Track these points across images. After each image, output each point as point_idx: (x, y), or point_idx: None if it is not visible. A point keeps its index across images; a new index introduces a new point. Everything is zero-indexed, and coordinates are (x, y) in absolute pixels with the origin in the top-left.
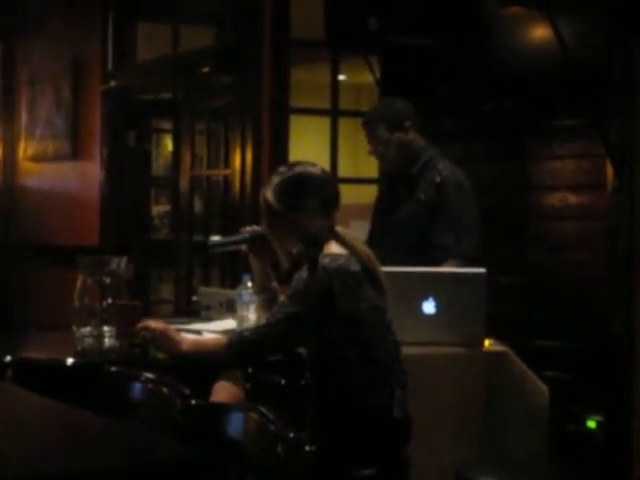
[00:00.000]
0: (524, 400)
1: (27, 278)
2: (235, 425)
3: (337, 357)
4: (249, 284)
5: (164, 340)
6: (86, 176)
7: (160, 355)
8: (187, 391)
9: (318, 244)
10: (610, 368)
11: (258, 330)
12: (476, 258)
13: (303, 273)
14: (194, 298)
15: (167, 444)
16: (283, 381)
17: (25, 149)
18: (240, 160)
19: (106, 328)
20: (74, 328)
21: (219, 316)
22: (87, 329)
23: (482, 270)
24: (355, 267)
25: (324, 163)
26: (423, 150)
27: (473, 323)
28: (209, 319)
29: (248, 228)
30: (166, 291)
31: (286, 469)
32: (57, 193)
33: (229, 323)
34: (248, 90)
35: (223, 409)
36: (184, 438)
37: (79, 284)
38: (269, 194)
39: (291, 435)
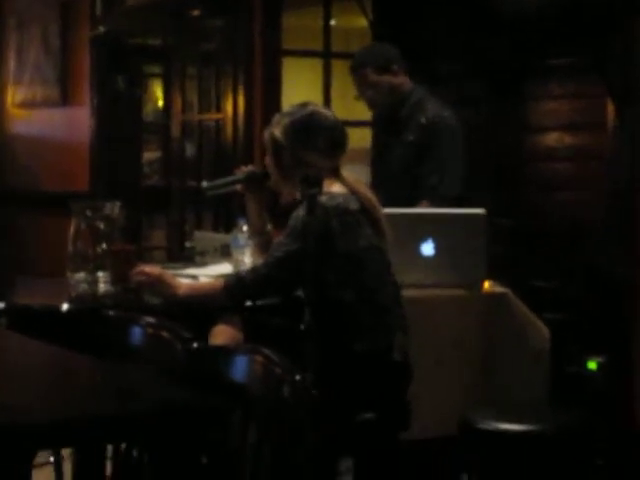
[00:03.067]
0: (525, 342)
1: (18, 225)
2: (239, 368)
3: (335, 299)
4: (244, 228)
5: (160, 285)
6: (76, 122)
7: (155, 300)
8: (188, 334)
9: (318, 183)
10: (610, 309)
11: (255, 270)
12: (461, 198)
13: (300, 211)
14: (187, 244)
15: (169, 388)
16: (282, 324)
17: (13, 95)
18: (232, 104)
19: (100, 273)
20: (68, 274)
21: (214, 260)
22: (81, 275)
23: (481, 211)
24: (354, 206)
25: None
26: (412, 92)
27: (472, 265)
28: (204, 264)
29: (243, 168)
30: (158, 237)
31: (292, 412)
32: (47, 139)
33: (225, 267)
34: (239, 34)
35: (226, 352)
36: (186, 382)
37: (72, 229)
38: (278, 131)
39: (297, 377)
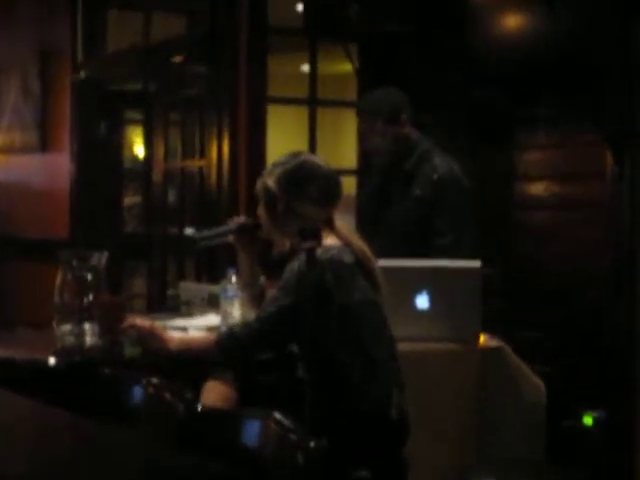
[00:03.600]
0: (520, 397)
1: None
2: (250, 433)
3: (331, 354)
4: (233, 278)
5: (151, 338)
6: (55, 168)
7: (137, 353)
8: (190, 395)
9: (315, 236)
10: (608, 363)
11: (248, 325)
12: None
13: (295, 265)
14: (170, 292)
15: (176, 457)
16: (276, 381)
17: None
18: (216, 151)
19: (87, 325)
20: (54, 325)
21: (201, 311)
22: (67, 326)
23: (477, 264)
24: (349, 259)
25: None
26: (418, 143)
27: (468, 318)
28: (190, 314)
29: (235, 219)
30: (139, 285)
31: (306, 478)
32: (25, 185)
33: (212, 319)
34: (224, 79)
35: (235, 416)
36: (191, 448)
37: (59, 280)
38: (270, 181)
39: (312, 444)
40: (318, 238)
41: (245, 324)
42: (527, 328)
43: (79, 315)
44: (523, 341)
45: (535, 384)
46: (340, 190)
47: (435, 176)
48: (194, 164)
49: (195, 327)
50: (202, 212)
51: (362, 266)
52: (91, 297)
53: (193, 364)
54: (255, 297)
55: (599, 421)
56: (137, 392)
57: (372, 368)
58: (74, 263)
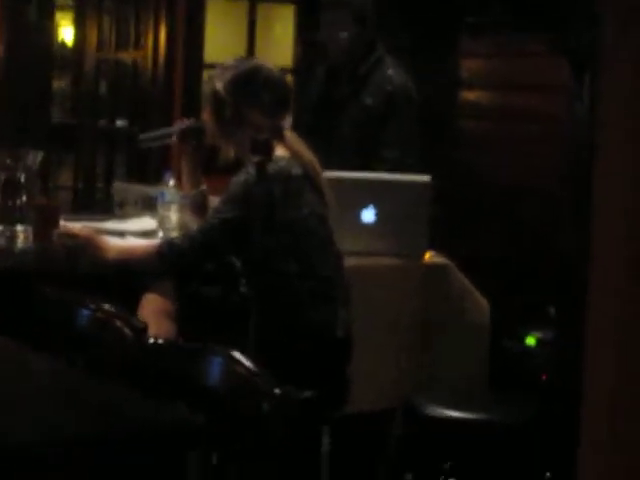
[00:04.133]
0: (463, 316)
1: None
2: (211, 374)
3: (276, 269)
4: (171, 182)
5: (89, 247)
6: None
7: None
8: (142, 325)
9: (267, 149)
10: (555, 281)
11: (190, 237)
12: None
13: (241, 177)
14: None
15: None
16: (216, 294)
17: None
18: (152, 43)
19: (20, 228)
20: None
21: (135, 214)
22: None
23: (426, 178)
24: (297, 171)
25: (240, 50)
26: (373, 46)
27: (414, 233)
28: (124, 217)
29: (180, 122)
30: (65, 177)
31: (270, 427)
32: None
33: (148, 222)
34: None
35: (193, 352)
36: (145, 385)
37: None
38: (219, 85)
39: (277, 391)
40: (269, 152)
41: (187, 235)
42: (470, 241)
43: (11, 217)
44: (467, 255)
45: (480, 303)
46: (290, 98)
47: (389, 87)
48: (129, 55)
49: (131, 232)
50: (135, 106)
51: (310, 179)
52: (24, 199)
53: (131, 274)
54: (196, 204)
55: (543, 342)
56: (83, 316)
57: (318, 285)
58: (7, 162)
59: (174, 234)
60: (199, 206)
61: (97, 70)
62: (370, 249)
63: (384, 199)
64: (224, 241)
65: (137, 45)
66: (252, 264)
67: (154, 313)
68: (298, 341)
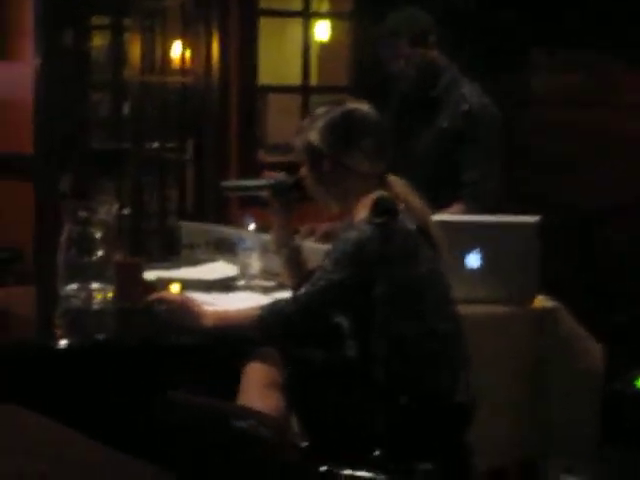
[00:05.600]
0: (576, 362)
1: None
2: None
3: (390, 332)
4: (251, 226)
5: (184, 313)
6: (18, 78)
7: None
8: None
9: (394, 211)
10: None
11: (296, 300)
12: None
13: (351, 234)
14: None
15: None
16: (328, 360)
17: None
18: (204, 63)
19: (96, 285)
20: (57, 285)
21: (207, 258)
22: (72, 287)
23: (535, 218)
24: (412, 226)
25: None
26: (445, 70)
27: (524, 277)
28: (195, 262)
29: (272, 174)
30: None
31: None
32: None
33: (226, 268)
34: None
35: None
36: None
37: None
38: (313, 135)
39: None
40: (396, 213)
41: (293, 299)
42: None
43: (86, 274)
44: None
45: (592, 348)
46: (389, 141)
47: (466, 106)
48: (175, 80)
49: (211, 280)
50: (184, 132)
51: (424, 232)
52: (99, 254)
53: (232, 343)
54: (290, 262)
55: None
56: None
57: (436, 346)
58: (80, 214)
59: (257, 282)
60: (293, 263)
61: (141, 94)
62: (476, 296)
63: (490, 242)
64: (332, 304)
65: (183, 67)
66: (363, 326)
67: (259, 385)
68: (414, 408)
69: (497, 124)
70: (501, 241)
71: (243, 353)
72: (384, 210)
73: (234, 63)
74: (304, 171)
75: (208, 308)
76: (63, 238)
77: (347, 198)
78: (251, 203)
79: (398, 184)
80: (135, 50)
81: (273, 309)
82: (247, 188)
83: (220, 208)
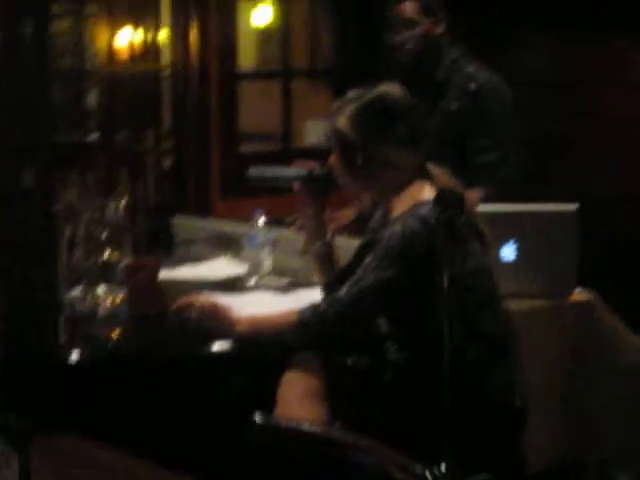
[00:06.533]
0: (615, 358)
1: None
2: None
3: (437, 333)
4: (261, 220)
5: (215, 319)
6: None
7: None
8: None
9: (460, 204)
10: None
11: (338, 300)
12: (520, 180)
13: (397, 229)
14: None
15: None
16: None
17: None
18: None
19: (102, 289)
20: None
21: (207, 255)
22: (77, 291)
23: (573, 207)
24: (459, 218)
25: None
26: (448, 49)
27: (562, 270)
28: (195, 259)
29: (302, 163)
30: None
31: None
32: None
33: (233, 266)
34: None
35: None
36: None
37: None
38: (342, 123)
39: None
40: (462, 206)
41: (333, 301)
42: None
43: (92, 277)
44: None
45: (632, 341)
46: (424, 127)
47: (473, 85)
48: (147, 67)
49: (217, 280)
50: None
51: (470, 224)
52: (107, 255)
53: (269, 350)
54: (322, 258)
55: None
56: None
57: (488, 348)
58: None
59: (268, 280)
60: (325, 260)
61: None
62: (511, 290)
63: (526, 233)
64: (376, 304)
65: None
66: (408, 327)
67: (300, 396)
68: (467, 416)
69: (509, 102)
70: (538, 231)
71: (279, 361)
72: (446, 202)
73: (213, 46)
74: (333, 159)
75: (241, 313)
76: (65, 239)
77: (384, 192)
78: (233, 193)
79: (439, 173)
80: (102, 37)
81: (313, 313)
82: (275, 179)
83: (201, 200)
